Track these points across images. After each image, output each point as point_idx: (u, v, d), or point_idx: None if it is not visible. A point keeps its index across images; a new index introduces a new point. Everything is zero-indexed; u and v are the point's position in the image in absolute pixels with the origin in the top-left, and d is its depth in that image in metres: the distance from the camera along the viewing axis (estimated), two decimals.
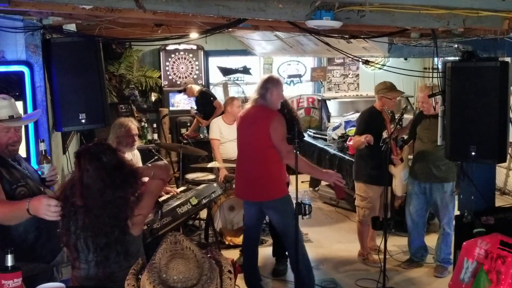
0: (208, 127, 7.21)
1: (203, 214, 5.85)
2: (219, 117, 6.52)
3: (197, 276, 1.62)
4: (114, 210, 2.51)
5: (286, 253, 5.24)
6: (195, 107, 8.17)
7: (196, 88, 8.09)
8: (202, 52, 9.57)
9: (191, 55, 9.53)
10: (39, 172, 3.08)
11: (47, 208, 2.47)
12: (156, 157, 5.30)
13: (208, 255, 1.82)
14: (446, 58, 4.75)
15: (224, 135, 6.12)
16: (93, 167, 2.53)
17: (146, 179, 2.77)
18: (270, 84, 4.32)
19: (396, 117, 5.05)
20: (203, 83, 9.55)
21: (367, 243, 5.46)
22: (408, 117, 8.46)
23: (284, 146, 4.19)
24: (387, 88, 5.19)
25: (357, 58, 5.28)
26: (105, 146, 2.66)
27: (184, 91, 8.12)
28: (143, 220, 2.71)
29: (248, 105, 4.50)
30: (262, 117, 4.26)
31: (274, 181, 4.30)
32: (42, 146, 3.12)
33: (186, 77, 9.44)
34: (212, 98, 7.86)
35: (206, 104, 7.79)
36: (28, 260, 2.71)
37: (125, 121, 4.83)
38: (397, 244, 5.77)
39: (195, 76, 9.53)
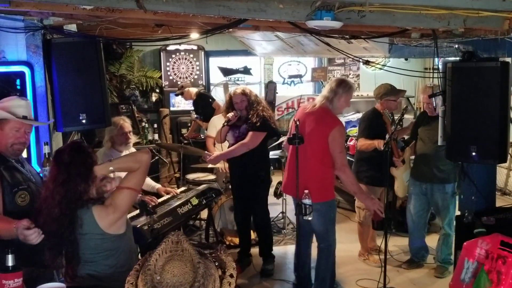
0: None
1: (204, 214, 5.86)
2: (218, 115, 6.52)
3: (191, 281, 1.60)
4: (53, 206, 2.52)
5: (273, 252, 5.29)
6: (194, 110, 8.15)
7: (194, 90, 8.05)
8: (202, 52, 9.58)
9: (191, 56, 9.54)
10: (41, 175, 3.08)
11: (27, 237, 2.46)
12: (156, 157, 5.31)
13: (213, 255, 1.80)
14: (446, 58, 4.75)
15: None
16: (53, 164, 2.59)
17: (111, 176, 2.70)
18: (341, 89, 4.25)
19: (396, 117, 5.04)
20: (204, 84, 9.56)
21: (367, 243, 5.46)
22: (408, 117, 8.51)
23: (339, 158, 4.15)
24: (389, 92, 5.18)
25: (357, 59, 5.28)
26: (77, 145, 2.68)
27: (181, 94, 8.09)
28: (118, 219, 2.60)
29: (314, 102, 4.40)
30: (324, 122, 4.18)
31: (322, 184, 4.25)
32: (46, 149, 3.13)
33: (186, 77, 9.45)
34: (210, 100, 7.83)
35: (205, 106, 7.76)
36: (27, 264, 2.71)
37: (117, 120, 4.83)
38: (397, 244, 5.77)
39: (195, 77, 9.54)
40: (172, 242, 1.69)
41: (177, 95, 8.33)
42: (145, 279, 1.61)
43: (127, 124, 4.85)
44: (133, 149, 5.10)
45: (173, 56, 9.46)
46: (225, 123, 5.06)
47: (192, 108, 8.15)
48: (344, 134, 4.26)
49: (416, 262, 5.26)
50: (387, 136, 4.95)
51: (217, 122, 6.15)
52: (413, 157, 5.21)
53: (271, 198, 5.57)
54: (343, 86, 4.27)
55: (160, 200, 4.82)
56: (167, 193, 5.01)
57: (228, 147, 5.19)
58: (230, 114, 5.01)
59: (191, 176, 6.36)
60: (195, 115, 7.89)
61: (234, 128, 5.07)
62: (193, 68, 9.56)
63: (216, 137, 5.41)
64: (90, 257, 2.61)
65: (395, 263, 5.32)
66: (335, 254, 4.47)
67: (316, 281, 4.47)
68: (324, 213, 4.28)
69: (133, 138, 4.98)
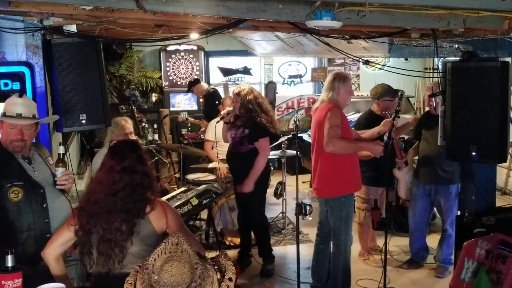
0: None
1: (204, 214, 5.86)
2: (217, 119, 6.52)
3: (188, 281, 1.61)
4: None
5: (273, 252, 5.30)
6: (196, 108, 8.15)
7: (205, 87, 8.02)
8: (202, 52, 9.58)
9: (191, 56, 9.54)
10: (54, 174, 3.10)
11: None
12: (156, 157, 5.31)
13: (214, 260, 1.81)
14: (446, 58, 4.74)
15: (219, 134, 6.12)
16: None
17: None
18: (337, 83, 4.29)
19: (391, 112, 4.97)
20: None
21: (367, 243, 5.46)
22: (408, 116, 8.49)
23: (327, 133, 4.11)
24: (386, 92, 5.17)
25: (357, 59, 5.28)
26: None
27: (191, 91, 8.04)
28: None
29: (316, 104, 4.48)
30: (320, 116, 4.25)
31: (331, 179, 4.27)
32: (61, 150, 3.14)
33: (186, 78, 9.45)
34: (217, 102, 7.75)
35: (211, 105, 7.72)
36: (28, 264, 2.72)
37: (119, 121, 4.84)
38: (398, 244, 5.77)
39: (195, 77, 9.53)
40: (172, 244, 1.69)
41: (188, 91, 8.23)
42: (142, 278, 1.62)
43: (128, 125, 4.86)
44: None
45: (173, 56, 9.46)
46: (220, 119, 5.14)
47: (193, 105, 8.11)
48: (338, 114, 4.16)
49: (416, 262, 5.25)
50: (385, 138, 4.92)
51: (215, 126, 6.15)
52: (416, 158, 5.19)
53: (271, 198, 5.57)
54: (338, 79, 4.32)
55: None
56: None
57: (229, 147, 5.19)
58: (223, 112, 5.06)
59: (191, 176, 6.36)
60: (186, 116, 7.76)
61: (233, 129, 5.06)
62: (193, 68, 9.56)
63: (223, 138, 5.38)
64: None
65: (396, 263, 5.32)
66: (349, 255, 4.47)
67: (329, 279, 4.51)
68: (335, 209, 4.31)
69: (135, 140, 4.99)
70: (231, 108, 5.05)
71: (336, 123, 4.15)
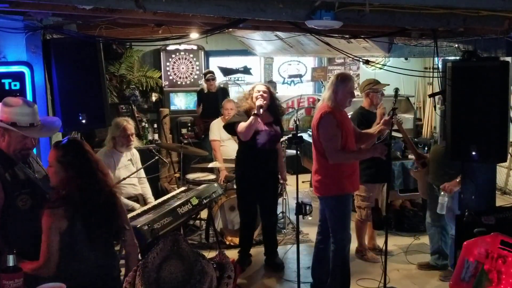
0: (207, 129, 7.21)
1: (204, 214, 5.86)
2: (218, 119, 6.55)
3: (187, 278, 1.62)
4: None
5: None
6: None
7: (217, 85, 8.32)
8: (202, 52, 9.57)
9: (191, 55, 9.53)
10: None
11: None
12: (156, 157, 5.30)
13: (213, 260, 1.82)
14: (446, 57, 4.74)
15: (222, 135, 6.14)
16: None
17: None
18: (337, 82, 4.33)
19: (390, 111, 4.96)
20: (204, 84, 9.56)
21: (364, 239, 5.47)
22: (409, 117, 8.50)
23: (326, 147, 4.19)
24: (373, 83, 5.24)
25: (357, 58, 5.27)
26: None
27: (208, 80, 8.17)
28: None
29: (319, 103, 4.55)
30: (316, 117, 4.32)
31: (326, 177, 4.29)
32: None
33: (186, 77, 9.46)
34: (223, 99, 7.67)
35: (216, 102, 7.76)
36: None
37: (120, 121, 4.85)
38: (398, 244, 5.77)
39: (195, 77, 9.53)
40: (170, 242, 1.71)
41: (206, 73, 8.39)
42: (142, 277, 1.63)
43: (130, 126, 4.87)
44: (135, 151, 5.10)
45: (173, 56, 9.45)
46: (257, 112, 4.75)
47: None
48: (331, 121, 4.18)
49: (435, 266, 5.14)
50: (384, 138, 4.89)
51: (218, 125, 6.20)
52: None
53: None
54: (339, 79, 4.35)
55: (160, 200, 4.82)
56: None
57: (263, 146, 4.96)
58: (259, 102, 4.79)
59: (191, 176, 6.36)
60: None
61: (268, 126, 4.97)
62: (193, 68, 9.55)
63: (244, 131, 4.82)
64: None
65: (396, 263, 5.32)
66: (348, 254, 4.46)
67: (329, 278, 4.51)
68: (332, 208, 4.31)
69: (135, 141, 5.00)
70: (264, 102, 4.83)
71: (332, 132, 4.19)
